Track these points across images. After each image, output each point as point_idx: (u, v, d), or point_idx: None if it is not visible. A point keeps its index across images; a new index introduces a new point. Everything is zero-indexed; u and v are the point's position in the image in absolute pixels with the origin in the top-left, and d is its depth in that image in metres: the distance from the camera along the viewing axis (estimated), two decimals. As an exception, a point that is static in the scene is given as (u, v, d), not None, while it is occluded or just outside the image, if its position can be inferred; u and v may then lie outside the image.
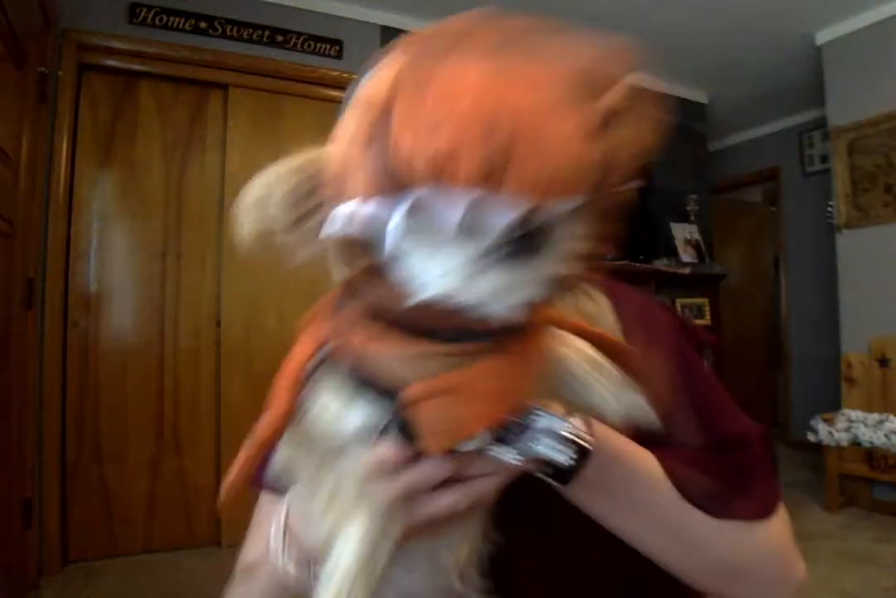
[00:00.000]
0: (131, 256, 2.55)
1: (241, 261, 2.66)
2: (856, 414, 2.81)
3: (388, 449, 0.32)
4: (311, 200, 0.31)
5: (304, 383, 0.34)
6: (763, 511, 0.44)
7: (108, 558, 2.35)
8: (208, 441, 2.56)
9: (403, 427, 0.31)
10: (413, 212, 0.25)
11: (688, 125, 3.97)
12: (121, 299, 2.52)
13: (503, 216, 0.24)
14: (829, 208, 3.33)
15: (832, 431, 2.80)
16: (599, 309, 0.44)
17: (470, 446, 0.33)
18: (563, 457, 0.35)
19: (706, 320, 3.57)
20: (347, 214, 0.28)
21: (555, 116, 0.24)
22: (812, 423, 2.92)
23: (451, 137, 0.23)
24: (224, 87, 2.71)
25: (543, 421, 0.34)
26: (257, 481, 0.58)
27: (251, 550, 0.57)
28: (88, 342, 2.44)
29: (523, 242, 0.26)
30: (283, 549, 0.41)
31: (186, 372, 2.58)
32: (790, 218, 4.44)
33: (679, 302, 3.51)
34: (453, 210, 0.24)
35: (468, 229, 0.25)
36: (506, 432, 0.33)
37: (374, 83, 0.28)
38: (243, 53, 2.70)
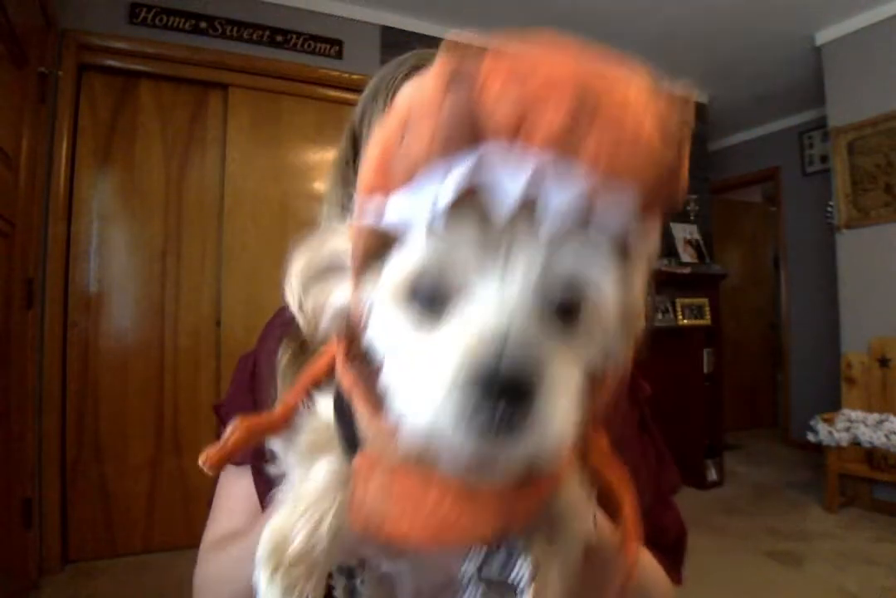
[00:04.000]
0: (131, 256, 2.55)
1: (241, 261, 2.66)
2: (856, 414, 2.81)
3: None
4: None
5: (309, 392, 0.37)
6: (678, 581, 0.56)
7: (108, 558, 2.36)
8: (208, 441, 2.53)
9: None
10: (474, 174, 0.24)
11: (688, 125, 3.97)
12: (121, 299, 2.52)
13: (565, 194, 0.24)
14: (829, 208, 3.33)
15: (832, 431, 2.80)
16: None
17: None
18: None
19: (706, 320, 3.57)
20: (375, 209, 0.27)
21: (640, 106, 0.24)
22: (812, 423, 2.92)
23: (541, 87, 0.23)
24: (224, 87, 2.71)
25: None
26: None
27: (222, 523, 0.58)
28: (88, 342, 2.43)
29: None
30: None
31: (186, 372, 2.58)
32: (790, 218, 4.44)
33: (679, 302, 3.51)
34: (516, 180, 0.23)
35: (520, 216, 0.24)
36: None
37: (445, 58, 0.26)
38: (243, 53, 2.70)
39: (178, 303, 2.60)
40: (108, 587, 2.13)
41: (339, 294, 0.33)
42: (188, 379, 2.58)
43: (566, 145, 0.23)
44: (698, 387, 3.39)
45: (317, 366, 0.39)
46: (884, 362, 2.88)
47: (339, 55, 2.92)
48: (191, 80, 2.65)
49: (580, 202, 0.24)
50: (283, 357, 0.55)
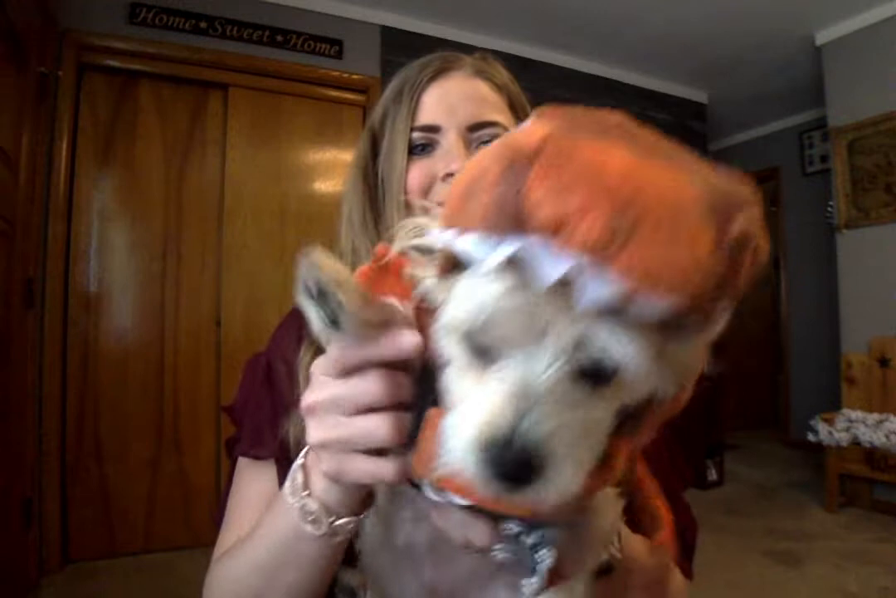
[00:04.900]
0: (131, 256, 2.55)
1: (241, 261, 2.66)
2: (856, 414, 2.81)
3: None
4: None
5: None
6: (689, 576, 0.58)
7: (108, 558, 2.35)
8: (208, 441, 2.56)
9: None
10: (515, 258, 0.27)
11: (688, 125, 3.97)
12: (121, 299, 2.52)
13: (598, 291, 0.25)
14: (829, 208, 3.33)
15: (832, 431, 2.80)
16: None
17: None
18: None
19: (706, 320, 3.57)
20: (448, 239, 0.30)
21: (687, 216, 0.25)
22: (812, 423, 2.92)
23: (581, 200, 0.24)
24: (224, 87, 2.71)
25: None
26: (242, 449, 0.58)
27: (242, 525, 0.52)
28: (88, 342, 2.43)
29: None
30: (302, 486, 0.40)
31: (186, 372, 2.58)
32: (790, 218, 4.44)
33: (679, 302, 3.50)
34: (555, 268, 0.25)
35: (562, 290, 0.26)
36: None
37: (521, 132, 0.29)
38: (243, 53, 2.70)
39: (178, 303, 2.60)
40: (108, 587, 2.13)
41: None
42: (188, 379, 2.58)
43: (601, 255, 0.24)
44: (698, 387, 3.39)
45: None
46: (884, 362, 2.88)
47: (339, 55, 2.92)
48: (191, 81, 2.65)
49: (614, 299, 0.25)
50: (305, 358, 0.55)
